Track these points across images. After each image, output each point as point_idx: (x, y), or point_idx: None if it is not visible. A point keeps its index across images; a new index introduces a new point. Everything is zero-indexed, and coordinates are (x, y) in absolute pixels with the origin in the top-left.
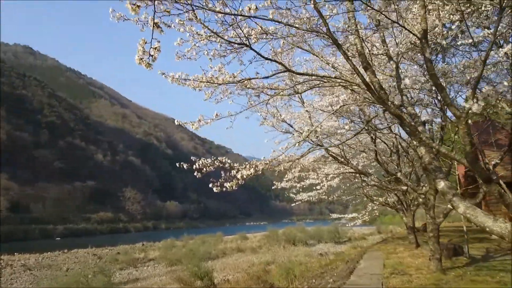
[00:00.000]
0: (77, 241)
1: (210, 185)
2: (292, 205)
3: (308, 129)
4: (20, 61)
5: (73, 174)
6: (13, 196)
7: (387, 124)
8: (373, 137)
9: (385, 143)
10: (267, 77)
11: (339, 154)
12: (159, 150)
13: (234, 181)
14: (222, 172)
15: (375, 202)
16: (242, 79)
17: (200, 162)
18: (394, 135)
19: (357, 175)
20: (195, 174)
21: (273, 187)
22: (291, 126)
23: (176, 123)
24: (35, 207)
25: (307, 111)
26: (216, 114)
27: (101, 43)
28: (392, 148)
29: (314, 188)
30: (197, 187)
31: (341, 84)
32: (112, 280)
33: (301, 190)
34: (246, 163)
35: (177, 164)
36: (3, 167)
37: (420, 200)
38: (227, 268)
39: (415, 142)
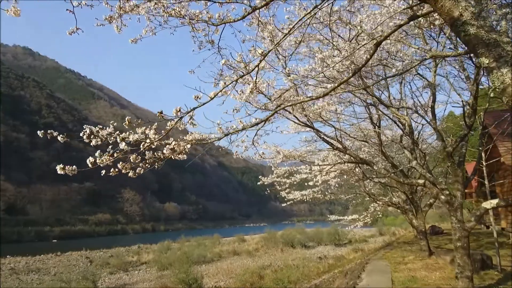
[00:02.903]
0: (74, 243)
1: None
2: (283, 205)
3: (261, 51)
4: (20, 62)
5: (70, 176)
6: (9, 198)
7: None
8: (376, 123)
9: (395, 122)
10: None
11: (333, 138)
12: None
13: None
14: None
15: (378, 202)
16: None
17: (92, 131)
18: (406, 110)
19: (358, 167)
20: (100, 159)
21: (258, 183)
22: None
23: None
24: (31, 209)
25: (291, 81)
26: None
27: (100, 44)
28: (404, 128)
29: (306, 184)
30: (196, 188)
31: None
32: (99, 285)
33: (287, 186)
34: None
35: (39, 133)
36: None
37: (443, 197)
38: (220, 273)
39: (485, 61)
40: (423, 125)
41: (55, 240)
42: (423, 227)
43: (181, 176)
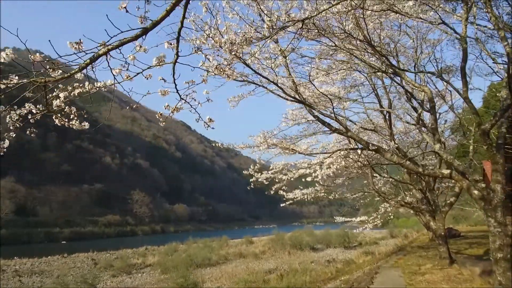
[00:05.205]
0: (83, 244)
1: None
2: (281, 205)
3: None
4: (32, 66)
5: (81, 177)
6: (20, 199)
7: None
8: (387, 107)
9: (412, 96)
10: None
11: (331, 116)
12: (168, 153)
13: None
14: None
15: (389, 201)
16: None
17: None
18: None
19: (362, 153)
20: None
21: (251, 180)
22: (261, 75)
23: None
24: (41, 210)
25: (284, 57)
26: None
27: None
28: (422, 104)
29: (304, 179)
30: (205, 189)
31: None
32: None
33: (279, 181)
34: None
35: None
36: (10, 170)
37: (476, 192)
38: (223, 276)
39: None
40: (439, 113)
41: (65, 242)
42: (443, 230)
43: (190, 178)
